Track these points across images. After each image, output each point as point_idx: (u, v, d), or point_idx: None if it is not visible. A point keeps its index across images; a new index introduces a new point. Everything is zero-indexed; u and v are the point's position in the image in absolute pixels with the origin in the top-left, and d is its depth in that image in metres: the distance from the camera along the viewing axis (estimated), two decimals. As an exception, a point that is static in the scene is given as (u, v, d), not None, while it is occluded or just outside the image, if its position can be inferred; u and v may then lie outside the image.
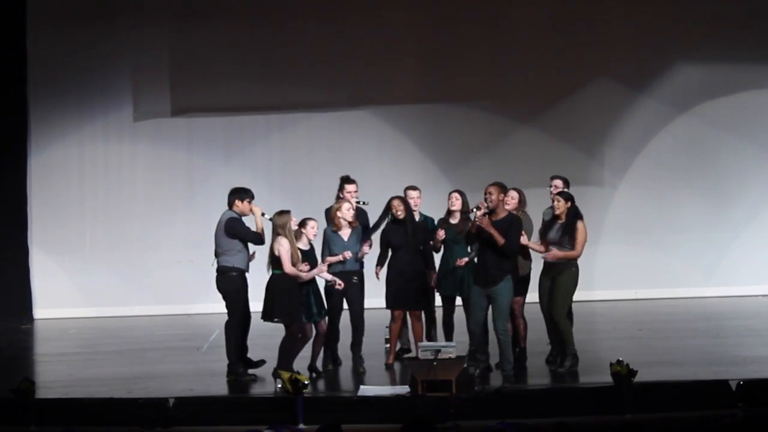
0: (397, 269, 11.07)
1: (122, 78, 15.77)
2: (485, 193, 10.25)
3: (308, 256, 10.82)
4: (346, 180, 11.54)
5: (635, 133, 15.76)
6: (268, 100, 15.74)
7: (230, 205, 11.00)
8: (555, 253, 10.52)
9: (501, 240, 10.11)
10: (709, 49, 15.64)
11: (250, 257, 10.99)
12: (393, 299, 11.11)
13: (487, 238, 10.13)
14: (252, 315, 11.02)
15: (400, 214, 11.05)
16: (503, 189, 10.40)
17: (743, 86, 15.69)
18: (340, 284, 10.84)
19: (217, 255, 10.97)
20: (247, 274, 10.95)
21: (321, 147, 15.73)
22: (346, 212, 11.06)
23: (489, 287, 10.20)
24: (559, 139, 15.64)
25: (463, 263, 10.95)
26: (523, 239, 10.52)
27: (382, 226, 11.28)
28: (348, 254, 10.91)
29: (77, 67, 15.72)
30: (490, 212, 10.19)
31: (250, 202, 10.98)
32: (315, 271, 10.74)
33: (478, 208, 10.16)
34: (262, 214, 10.93)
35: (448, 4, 15.71)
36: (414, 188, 11.48)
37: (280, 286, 10.51)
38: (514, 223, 10.26)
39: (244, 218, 11.02)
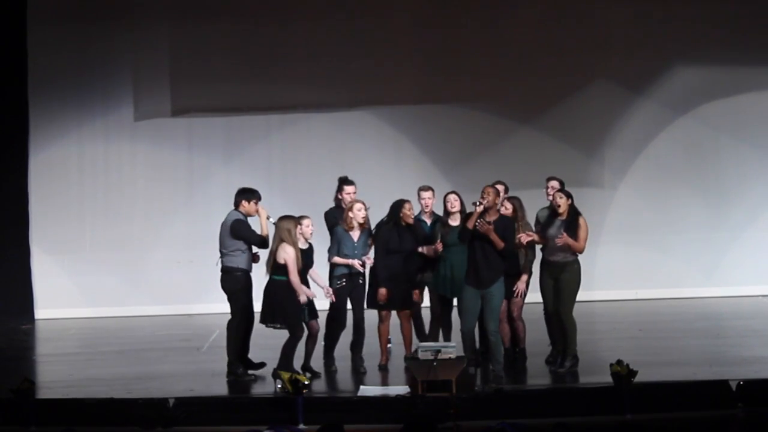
0: (391, 272, 10.98)
1: (122, 78, 15.75)
2: (482, 193, 10.35)
3: (306, 256, 10.80)
4: (344, 181, 11.48)
5: (635, 135, 15.75)
6: (268, 100, 15.73)
7: (236, 205, 11.00)
8: (565, 238, 10.51)
9: (501, 244, 10.22)
10: (709, 51, 15.63)
11: (254, 258, 10.99)
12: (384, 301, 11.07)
13: (481, 239, 10.22)
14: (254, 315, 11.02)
15: (410, 220, 11.02)
16: (498, 193, 10.60)
17: (743, 88, 15.68)
18: (330, 295, 10.90)
19: (221, 255, 10.97)
20: (251, 274, 10.96)
21: (321, 147, 15.72)
22: (358, 212, 11.03)
23: (482, 288, 10.26)
24: (559, 140, 15.63)
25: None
26: (524, 237, 10.58)
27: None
28: (358, 263, 10.89)
29: (77, 67, 15.70)
30: (484, 212, 10.29)
31: (256, 204, 10.98)
32: (309, 292, 10.72)
33: (479, 203, 10.26)
34: (267, 218, 10.92)
35: (448, 5, 15.71)
36: (427, 188, 11.43)
37: (283, 292, 10.48)
38: (507, 226, 10.38)
39: (249, 219, 11.02)
